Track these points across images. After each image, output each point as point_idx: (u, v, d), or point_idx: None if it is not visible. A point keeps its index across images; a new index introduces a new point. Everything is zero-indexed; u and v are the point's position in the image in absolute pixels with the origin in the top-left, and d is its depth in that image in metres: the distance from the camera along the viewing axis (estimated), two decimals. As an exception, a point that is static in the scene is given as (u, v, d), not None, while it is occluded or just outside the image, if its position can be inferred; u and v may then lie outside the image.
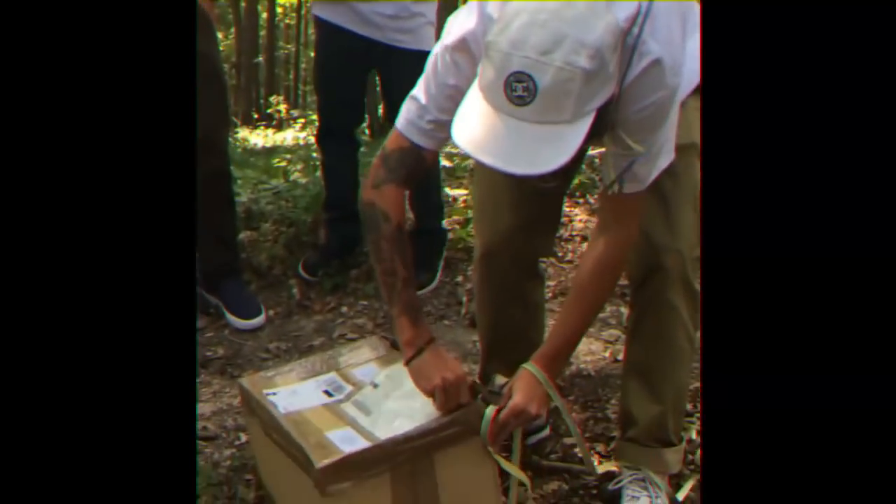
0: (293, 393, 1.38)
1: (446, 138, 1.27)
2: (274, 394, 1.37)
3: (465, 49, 1.18)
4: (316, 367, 1.47)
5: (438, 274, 2.60)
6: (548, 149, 1.02)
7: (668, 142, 1.26)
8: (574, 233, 2.96)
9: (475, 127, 1.06)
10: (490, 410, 1.26)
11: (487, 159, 1.05)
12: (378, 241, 1.32)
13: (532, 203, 1.48)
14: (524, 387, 1.27)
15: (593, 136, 1.08)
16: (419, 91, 1.27)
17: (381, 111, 5.75)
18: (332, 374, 1.44)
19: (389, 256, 1.31)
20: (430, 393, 1.28)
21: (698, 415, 1.76)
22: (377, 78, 2.58)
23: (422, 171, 1.33)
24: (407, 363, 1.32)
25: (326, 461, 1.16)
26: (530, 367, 1.29)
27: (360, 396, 1.36)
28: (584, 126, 1.04)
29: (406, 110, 1.29)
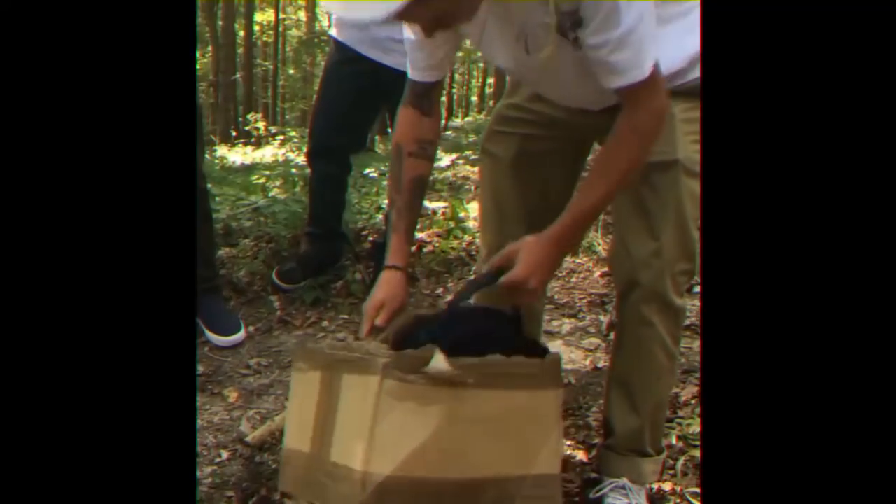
0: None
1: (426, 66, 1.37)
2: None
3: None
4: None
5: None
6: None
7: (647, 32, 1.14)
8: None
9: None
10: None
11: (338, 10, 1.12)
12: None
13: (537, 213, 1.49)
14: (528, 258, 1.21)
15: None
16: None
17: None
18: None
19: (388, 175, 1.42)
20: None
21: (678, 420, 1.77)
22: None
23: (427, 96, 1.40)
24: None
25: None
26: (538, 239, 1.23)
27: None
28: None
29: None
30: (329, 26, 2.57)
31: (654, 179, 1.32)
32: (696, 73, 1.30)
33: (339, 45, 2.43)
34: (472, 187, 4.12)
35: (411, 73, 1.38)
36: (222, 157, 7.73)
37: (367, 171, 4.42)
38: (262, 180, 4.32)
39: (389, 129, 2.91)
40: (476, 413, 1.21)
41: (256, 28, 17.51)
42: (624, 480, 1.46)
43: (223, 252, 2.81)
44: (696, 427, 1.73)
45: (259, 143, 11.56)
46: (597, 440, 1.72)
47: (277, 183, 4.24)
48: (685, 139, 1.32)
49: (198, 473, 1.64)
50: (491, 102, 16.99)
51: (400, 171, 1.40)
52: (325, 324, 2.42)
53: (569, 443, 1.74)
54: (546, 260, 1.24)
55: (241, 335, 2.26)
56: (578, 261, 2.94)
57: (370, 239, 2.94)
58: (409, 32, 1.33)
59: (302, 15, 20.03)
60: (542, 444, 1.28)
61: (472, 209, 3.23)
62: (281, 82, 19.87)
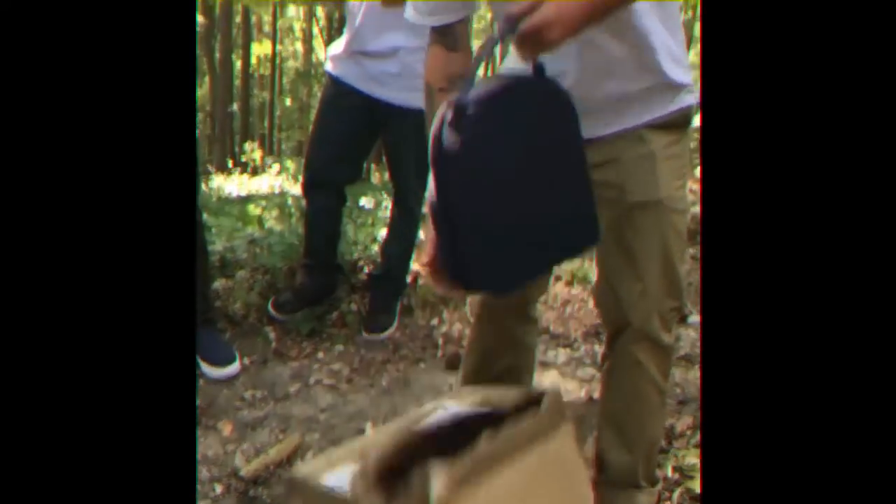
0: None
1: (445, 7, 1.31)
2: None
3: None
4: None
5: (397, 318, 2.63)
6: None
7: None
8: (560, 274, 2.98)
9: None
10: None
11: None
12: None
13: None
14: (553, 6, 1.10)
15: None
16: None
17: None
18: None
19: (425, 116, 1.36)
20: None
21: (674, 451, 1.77)
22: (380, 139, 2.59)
23: (451, 33, 1.34)
24: None
25: None
26: None
27: None
28: None
29: None
30: (325, 59, 2.61)
31: (636, 220, 1.33)
32: (680, 104, 1.32)
33: (334, 80, 2.46)
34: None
35: (431, 21, 1.33)
36: (219, 188, 7.75)
37: (362, 202, 4.44)
38: (259, 211, 4.33)
39: (384, 159, 2.93)
40: (510, 490, 1.14)
41: (253, 59, 17.66)
42: (619, 513, 1.46)
43: (219, 283, 2.81)
44: (691, 458, 1.73)
45: (255, 172, 11.62)
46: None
47: (274, 214, 4.26)
48: (667, 177, 1.32)
49: (192, 508, 1.63)
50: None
51: (433, 110, 1.33)
52: (320, 355, 2.42)
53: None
54: (571, 15, 1.12)
55: (236, 367, 2.26)
56: (574, 291, 2.95)
57: (366, 270, 2.95)
58: None
59: (299, 46, 20.24)
60: (579, 483, 1.24)
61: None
62: (277, 113, 20.00)
